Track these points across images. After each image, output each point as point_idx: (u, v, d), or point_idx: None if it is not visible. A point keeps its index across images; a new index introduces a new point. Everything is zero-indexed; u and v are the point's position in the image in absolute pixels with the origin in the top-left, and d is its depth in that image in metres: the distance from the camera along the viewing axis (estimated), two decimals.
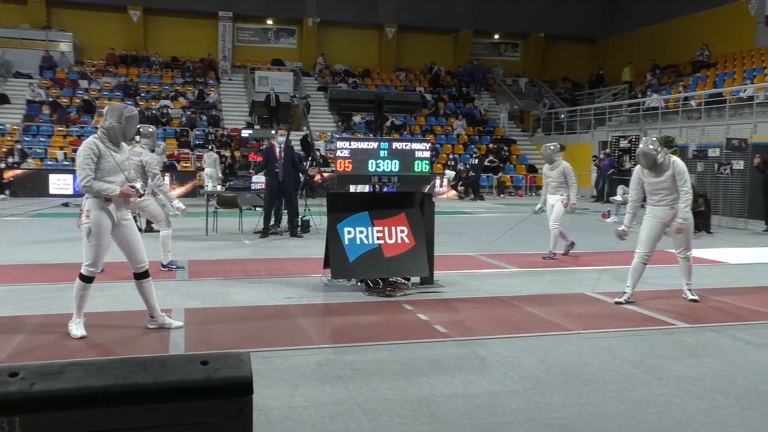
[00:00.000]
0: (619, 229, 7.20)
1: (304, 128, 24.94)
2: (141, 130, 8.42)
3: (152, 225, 11.75)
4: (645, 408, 4.11)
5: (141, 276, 5.67)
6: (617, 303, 6.98)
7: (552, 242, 9.94)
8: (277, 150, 11.77)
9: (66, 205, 14.34)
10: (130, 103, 26.71)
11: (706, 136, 16.92)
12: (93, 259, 5.40)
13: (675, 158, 7.00)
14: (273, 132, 21.70)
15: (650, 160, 6.86)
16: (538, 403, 4.17)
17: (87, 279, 5.45)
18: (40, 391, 1.61)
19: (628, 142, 22.28)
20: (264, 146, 17.38)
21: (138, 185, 5.56)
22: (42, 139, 24.25)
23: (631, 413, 4.02)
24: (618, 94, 29.77)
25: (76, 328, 5.46)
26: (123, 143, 5.58)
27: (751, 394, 4.36)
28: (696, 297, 7.17)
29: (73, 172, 21.98)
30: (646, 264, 7.04)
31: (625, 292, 7.05)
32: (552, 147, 10.10)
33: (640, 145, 6.99)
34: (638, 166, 7.14)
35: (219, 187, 14.02)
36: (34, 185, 21.31)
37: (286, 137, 12.23)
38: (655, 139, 7.09)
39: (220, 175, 19.90)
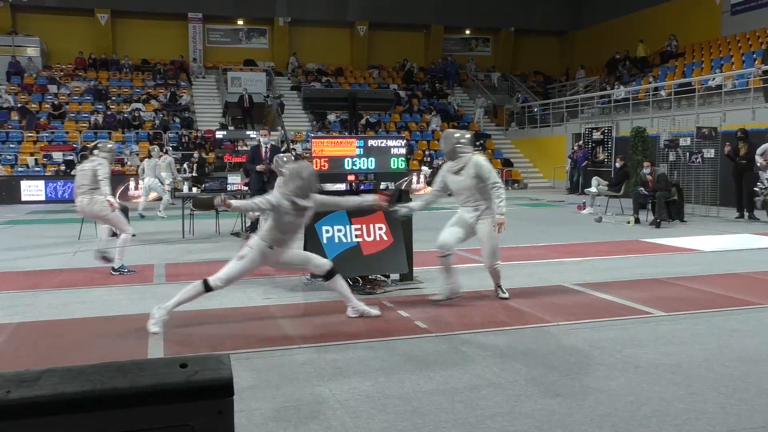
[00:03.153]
0: (401, 211, 6.80)
1: (279, 128, 24.88)
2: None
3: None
4: (624, 397, 4.15)
5: (329, 275, 6.05)
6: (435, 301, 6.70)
7: None
8: (263, 150, 11.87)
9: (142, 216, 14.47)
10: (101, 107, 26.41)
11: (677, 126, 17.11)
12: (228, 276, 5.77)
13: (477, 157, 6.63)
14: (247, 132, 21.53)
15: (450, 144, 6.59)
16: (519, 395, 4.20)
17: (209, 288, 5.73)
18: (17, 399, 1.59)
19: (601, 134, 22.51)
20: (250, 146, 17.17)
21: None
22: (12, 145, 23.87)
23: (611, 402, 4.06)
24: (589, 86, 30.01)
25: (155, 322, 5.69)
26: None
27: (727, 380, 4.43)
28: (506, 295, 6.86)
29: (44, 177, 21.69)
30: (447, 256, 6.62)
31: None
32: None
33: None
34: (447, 163, 6.84)
35: (194, 190, 13.93)
36: (6, 192, 20.98)
37: (269, 136, 12.34)
38: (465, 132, 6.94)
39: (179, 177, 18.94)
